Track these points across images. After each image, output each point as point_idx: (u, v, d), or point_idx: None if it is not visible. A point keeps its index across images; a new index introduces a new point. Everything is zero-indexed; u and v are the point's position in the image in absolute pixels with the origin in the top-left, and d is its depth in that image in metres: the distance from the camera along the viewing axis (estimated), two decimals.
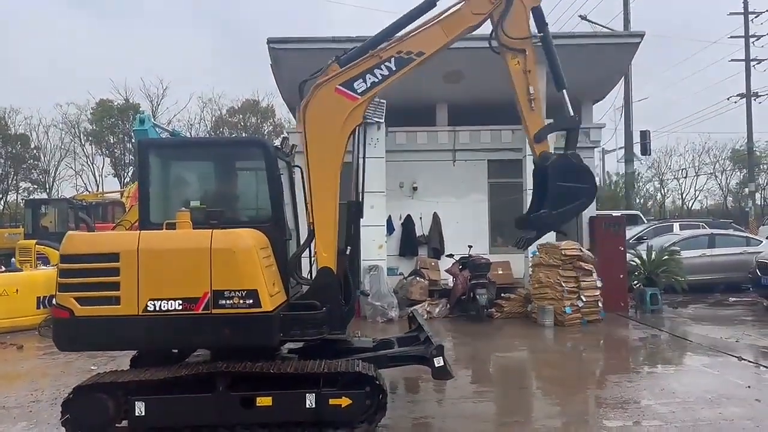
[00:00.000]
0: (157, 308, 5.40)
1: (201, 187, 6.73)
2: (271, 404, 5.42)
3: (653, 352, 9.34)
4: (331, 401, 5.45)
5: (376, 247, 12.85)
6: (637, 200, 45.40)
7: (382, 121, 12.85)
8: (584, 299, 11.31)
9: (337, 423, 5.51)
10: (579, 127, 6.42)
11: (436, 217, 14.61)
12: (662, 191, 51.72)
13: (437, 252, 14.40)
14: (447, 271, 13.21)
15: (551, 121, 6.36)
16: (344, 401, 5.46)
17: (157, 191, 6.33)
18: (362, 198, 6.60)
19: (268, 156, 6.24)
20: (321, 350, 6.29)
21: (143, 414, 5.34)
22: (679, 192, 51.99)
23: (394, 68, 6.07)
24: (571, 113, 6.30)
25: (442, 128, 14.78)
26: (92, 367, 7.91)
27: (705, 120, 59.10)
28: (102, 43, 64.26)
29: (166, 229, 5.71)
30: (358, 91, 6.05)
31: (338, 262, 6.22)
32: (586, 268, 11.50)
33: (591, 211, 14.57)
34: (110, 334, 5.45)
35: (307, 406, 5.43)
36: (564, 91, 6.30)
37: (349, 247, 6.34)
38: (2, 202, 42.93)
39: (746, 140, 37.07)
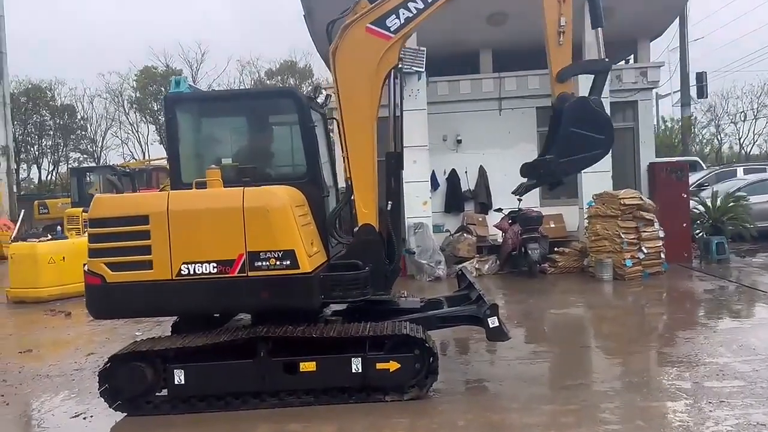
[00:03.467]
0: (192, 272, 5.12)
1: (232, 143, 6.36)
2: (315, 369, 5.11)
3: (723, 304, 8.66)
4: (378, 365, 5.11)
5: (420, 203, 12.34)
6: (695, 147, 43.35)
7: (423, 70, 12.17)
8: (645, 251, 10.60)
9: (386, 388, 5.18)
10: (609, 71, 5.77)
11: (482, 170, 13.97)
12: (719, 137, 49.18)
13: (484, 207, 13.81)
14: (496, 226, 12.64)
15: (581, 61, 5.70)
16: (392, 365, 5.11)
17: (187, 149, 6.02)
18: (402, 149, 6.05)
19: (300, 107, 5.82)
20: (366, 312, 5.93)
21: (183, 382, 5.11)
22: (737, 137, 49.33)
23: (429, 0, 5.47)
24: (603, 55, 5.61)
25: (486, 76, 13.99)
26: (137, 333, 7.78)
27: (763, 59, 55.31)
28: (134, 10, 64.38)
29: (196, 188, 5.37)
30: (391, 28, 5.51)
31: (380, 218, 5.82)
32: (647, 217, 10.76)
33: (649, 156, 13.74)
34: (144, 301, 5.21)
35: (354, 370, 5.11)
36: (599, 29, 5.62)
37: (390, 203, 5.89)
38: (55, 173, 44.06)
39: None
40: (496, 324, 5.18)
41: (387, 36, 5.52)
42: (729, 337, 6.63)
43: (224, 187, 5.39)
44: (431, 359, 5.15)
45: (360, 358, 5.11)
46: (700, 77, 29.83)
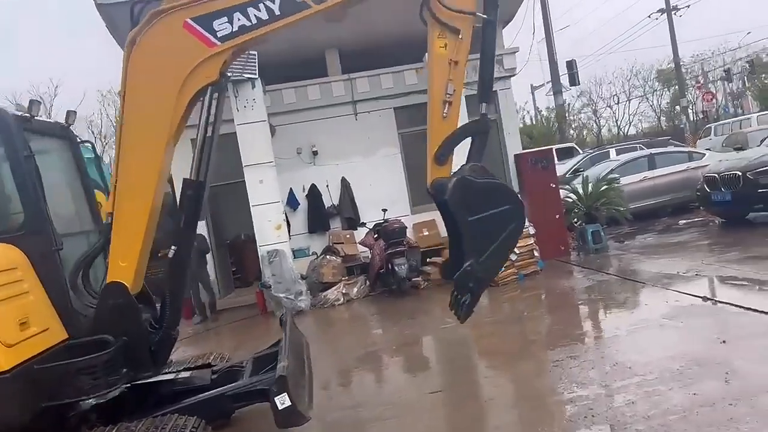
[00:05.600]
0: None
1: None
2: None
3: (600, 305, 7.74)
4: None
5: (272, 228, 10.81)
6: (573, 132, 44.65)
7: (256, 76, 10.69)
8: (517, 252, 9.61)
9: None
10: (489, 131, 4.50)
11: (344, 182, 12.62)
12: (597, 121, 51.24)
13: (352, 222, 12.45)
14: (361, 243, 11.35)
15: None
16: None
17: None
18: (205, 178, 4.59)
19: (5, 131, 4.18)
20: (140, 399, 4.37)
21: None
22: (614, 119, 51.56)
23: (277, 12, 4.03)
24: (483, 110, 4.38)
25: (335, 78, 12.67)
26: None
27: (629, 42, 58.67)
28: None
29: None
30: (219, 34, 4.06)
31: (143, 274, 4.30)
32: None
33: (515, 147, 12.94)
34: None
35: None
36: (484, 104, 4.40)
37: (174, 248, 4.35)
38: None
39: (672, 55, 36.35)
40: (287, 404, 3.71)
41: (210, 42, 4.06)
42: (603, 353, 5.59)
43: None
44: None
45: None
46: (570, 65, 30.33)
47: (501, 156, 12.96)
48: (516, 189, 12.00)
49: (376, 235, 10.71)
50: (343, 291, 10.59)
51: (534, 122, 40.07)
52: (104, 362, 3.94)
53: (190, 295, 11.29)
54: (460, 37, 4.22)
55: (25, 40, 58.46)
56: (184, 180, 4.45)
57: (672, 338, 5.61)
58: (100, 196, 15.42)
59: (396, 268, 9.93)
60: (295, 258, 11.95)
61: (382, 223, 10.71)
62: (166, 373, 4.68)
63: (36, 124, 4.55)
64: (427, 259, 11.01)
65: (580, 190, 11.69)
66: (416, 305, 9.53)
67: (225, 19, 4.07)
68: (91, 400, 4.37)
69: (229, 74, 10.23)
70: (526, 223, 9.93)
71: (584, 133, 47.96)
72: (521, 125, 40.54)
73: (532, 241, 9.96)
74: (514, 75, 13.33)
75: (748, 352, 4.87)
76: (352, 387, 6.33)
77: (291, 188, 12.39)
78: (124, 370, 4.17)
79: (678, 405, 4.15)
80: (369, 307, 10.14)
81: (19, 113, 4.39)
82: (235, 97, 10.71)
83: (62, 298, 4.24)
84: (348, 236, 12.14)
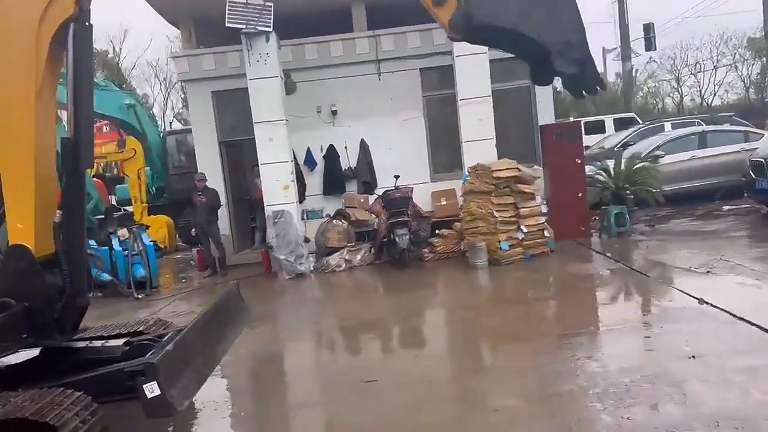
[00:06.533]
0: None
1: None
2: None
3: (587, 298, 7.14)
4: None
5: (280, 188, 10.60)
6: (655, 102, 42.02)
7: (270, 29, 10.31)
8: (525, 230, 9.04)
9: None
10: None
11: (363, 144, 12.21)
12: (680, 89, 47.91)
13: (368, 186, 12.10)
14: (368, 210, 11.00)
15: None
16: None
17: None
18: (83, 131, 4.23)
19: None
20: (42, 367, 4.27)
21: None
22: (698, 89, 48.06)
23: None
24: None
25: (360, 35, 12.12)
26: None
27: (721, 5, 54.06)
28: None
29: None
30: None
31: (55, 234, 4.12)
32: (526, 191, 9.18)
33: (548, 118, 12.11)
34: None
35: None
36: None
37: (58, 212, 4.14)
38: None
39: (763, 23, 33.27)
40: (156, 393, 3.47)
41: None
42: (557, 356, 5.06)
43: None
44: None
45: None
46: (647, 28, 28.34)
47: (531, 126, 12.20)
48: (539, 164, 11.30)
49: (383, 203, 10.32)
50: (346, 257, 10.33)
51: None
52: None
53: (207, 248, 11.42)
54: None
55: None
56: (61, 139, 4.13)
57: (639, 346, 5.04)
58: (133, 141, 15.50)
59: (396, 239, 9.56)
60: (308, 219, 11.84)
61: (395, 189, 10.29)
62: (75, 340, 4.55)
63: None
64: (436, 231, 10.55)
65: (611, 168, 10.84)
66: (415, 278, 9.17)
67: None
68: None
69: (243, 27, 10.06)
70: (539, 200, 9.34)
71: (655, 101, 45.02)
72: None
73: (544, 220, 9.32)
74: None
75: (714, 372, 4.28)
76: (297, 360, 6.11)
77: (309, 147, 12.10)
78: (25, 335, 4.06)
79: (599, 428, 3.66)
80: (368, 276, 9.87)
81: None
82: (248, 50, 10.43)
83: None
84: (362, 201, 11.81)
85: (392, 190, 10.21)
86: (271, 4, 10.22)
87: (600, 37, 54.52)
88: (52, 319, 4.16)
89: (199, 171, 11.67)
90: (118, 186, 21.72)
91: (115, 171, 24.50)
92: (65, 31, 3.94)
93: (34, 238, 4.05)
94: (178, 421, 4.47)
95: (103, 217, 15.22)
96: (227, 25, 10.18)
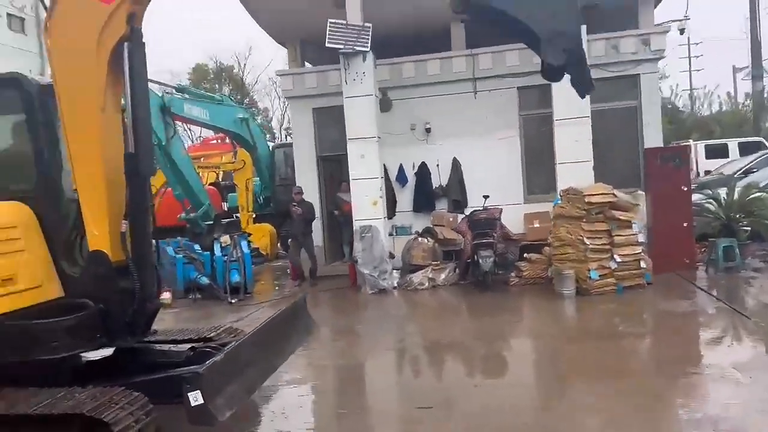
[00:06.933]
0: None
1: None
2: None
3: (679, 339, 6.53)
4: None
5: (369, 203, 10.74)
6: None
7: (367, 49, 10.52)
8: (619, 259, 8.53)
9: None
10: None
11: (455, 162, 12.10)
12: None
13: (458, 205, 11.97)
14: (454, 229, 10.85)
15: None
16: None
17: None
18: (141, 144, 4.37)
19: (27, 99, 4.52)
20: (117, 366, 4.59)
21: None
22: None
23: None
24: None
25: (457, 53, 12.07)
26: None
27: None
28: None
29: None
30: None
31: (123, 242, 4.41)
32: (621, 218, 8.66)
33: (655, 141, 11.40)
34: None
35: None
36: None
37: (125, 222, 4.41)
38: None
39: None
40: (199, 401, 3.60)
41: None
42: (656, 401, 4.67)
43: None
44: None
45: None
46: None
47: (636, 149, 11.54)
48: (642, 189, 10.65)
49: (469, 223, 10.15)
50: (429, 276, 10.25)
51: (725, 108, 35.27)
52: (70, 326, 4.14)
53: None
54: None
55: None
56: (126, 155, 4.36)
57: (720, 396, 4.56)
58: (243, 153, 16.28)
59: (480, 260, 9.35)
60: (397, 235, 11.90)
61: (483, 210, 10.11)
62: (146, 342, 4.83)
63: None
64: (524, 255, 10.21)
65: (722, 197, 10.00)
66: (496, 302, 8.92)
67: None
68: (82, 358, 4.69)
69: (342, 47, 10.33)
70: (636, 229, 8.79)
71: None
72: (711, 111, 35.94)
73: (640, 250, 8.75)
74: (662, 57, 11.67)
75: None
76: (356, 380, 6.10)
77: (401, 164, 12.18)
78: (99, 335, 4.37)
79: None
80: (449, 297, 9.73)
81: (44, 82, 4.67)
82: (345, 69, 10.69)
83: (62, 258, 4.52)
84: (450, 219, 11.69)
85: (479, 210, 10.02)
86: (370, 25, 10.44)
87: (731, 54, 50.80)
88: (124, 322, 4.43)
89: (297, 184, 12.11)
90: (230, 194, 23.01)
91: (230, 180, 26.04)
92: (121, 50, 4.22)
93: (110, 244, 4.35)
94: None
95: (212, 223, 16.17)
96: (327, 45, 10.51)
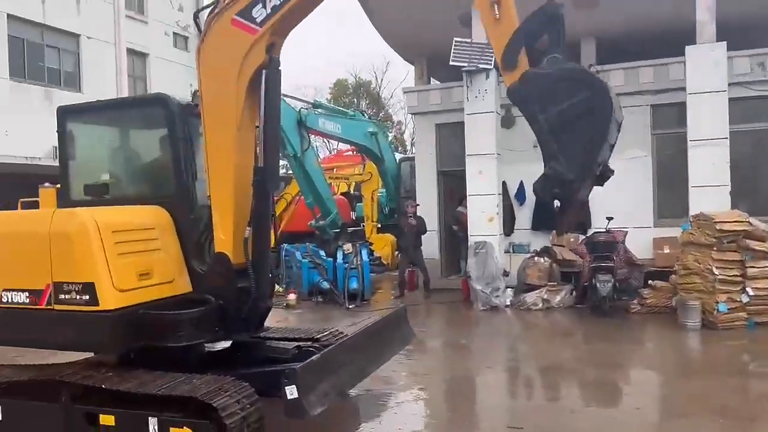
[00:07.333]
0: (10, 300, 4.73)
1: (111, 157, 5.85)
2: (114, 424, 4.37)
3: None
4: (172, 430, 4.19)
5: (485, 219, 10.77)
6: None
7: (491, 67, 10.60)
8: (752, 293, 7.88)
9: None
10: (562, 15, 4.09)
11: None
12: None
13: (581, 225, 11.58)
14: (572, 250, 10.54)
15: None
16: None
17: (75, 164, 5.65)
18: (269, 161, 4.83)
19: (169, 116, 5.16)
20: (233, 357, 5.09)
21: (1, 419, 4.73)
22: None
23: None
24: None
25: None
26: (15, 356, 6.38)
27: None
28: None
29: (22, 207, 5.00)
30: (257, 20, 4.62)
31: (245, 246, 4.89)
32: (757, 248, 8.00)
33: None
34: None
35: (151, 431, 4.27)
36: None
37: (249, 228, 4.88)
38: None
39: None
40: (294, 395, 3.90)
41: (252, 29, 4.64)
42: None
43: (91, 206, 4.92)
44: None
45: (156, 418, 4.26)
46: None
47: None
48: None
49: (587, 245, 9.84)
50: (544, 296, 10.06)
51: None
52: (194, 319, 4.65)
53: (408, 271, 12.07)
54: None
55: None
56: (255, 168, 4.77)
57: None
58: (370, 165, 16.92)
59: (598, 284, 9.03)
60: (513, 253, 11.78)
61: (599, 232, 9.77)
62: (259, 338, 5.28)
63: (190, 111, 5.33)
64: (649, 282, 9.69)
65: None
66: (612, 330, 8.55)
67: (260, 5, 4.54)
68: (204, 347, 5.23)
69: (465, 65, 10.49)
70: None
71: None
72: None
73: None
74: None
75: None
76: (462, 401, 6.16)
77: (521, 181, 12.02)
78: (217, 329, 4.86)
79: None
80: (562, 320, 9.48)
81: (184, 102, 5.29)
82: (467, 87, 10.84)
83: (192, 258, 5.09)
84: (572, 240, 11.33)
85: (600, 232, 9.69)
86: None
87: None
88: (239, 318, 4.89)
89: (417, 197, 12.42)
90: (358, 204, 23.93)
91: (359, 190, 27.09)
92: (259, 76, 4.65)
93: (233, 248, 4.83)
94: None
95: (338, 230, 16.94)
96: (451, 63, 10.74)
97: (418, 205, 11.97)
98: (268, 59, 4.65)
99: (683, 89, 10.25)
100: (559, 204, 4.33)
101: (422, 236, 11.84)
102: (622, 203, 10.93)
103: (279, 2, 4.54)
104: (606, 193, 11.10)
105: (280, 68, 4.78)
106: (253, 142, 4.87)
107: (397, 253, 16.37)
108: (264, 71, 4.63)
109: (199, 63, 4.86)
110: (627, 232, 9.93)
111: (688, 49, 10.09)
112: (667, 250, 10.71)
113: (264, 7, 4.57)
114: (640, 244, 10.49)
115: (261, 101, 4.64)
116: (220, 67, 4.76)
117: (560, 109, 3.88)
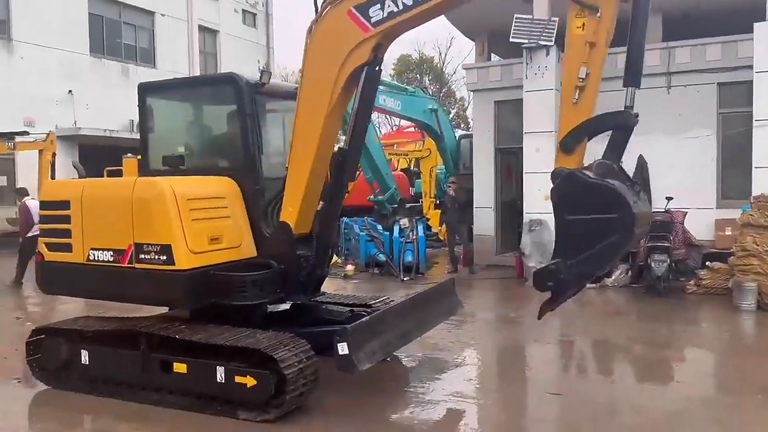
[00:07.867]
0: (96, 258, 5.30)
1: (187, 131, 6.32)
2: (186, 372, 4.91)
3: None
4: (237, 378, 4.68)
5: (541, 197, 10.78)
6: None
7: (552, 43, 10.55)
8: None
9: (245, 404, 4.70)
10: (633, 128, 4.22)
11: (641, 160, 11.53)
12: None
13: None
14: None
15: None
16: (249, 380, 4.64)
17: (153, 137, 6.18)
18: (354, 146, 5.13)
19: (239, 94, 5.58)
20: (292, 317, 5.54)
21: (87, 363, 5.34)
22: None
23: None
24: (630, 104, 4.21)
25: (652, 46, 11.43)
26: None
27: None
28: None
29: (108, 176, 5.54)
30: (372, 20, 4.67)
31: (312, 219, 5.28)
32: None
33: None
34: (67, 281, 5.56)
35: (218, 379, 4.76)
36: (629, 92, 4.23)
37: (321, 203, 5.25)
38: None
39: None
40: (345, 352, 4.27)
41: (365, 26, 4.71)
42: None
43: (168, 176, 5.40)
44: (284, 382, 4.50)
45: (223, 368, 4.74)
46: None
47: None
48: None
49: None
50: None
51: None
52: (257, 280, 5.08)
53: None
54: (598, 15, 3.99)
55: None
56: (338, 149, 5.08)
57: None
58: (429, 142, 17.17)
59: (652, 264, 9.02)
60: None
61: (655, 212, 9.68)
62: (316, 302, 5.70)
63: (269, 88, 5.75)
64: (707, 263, 9.57)
65: None
66: (665, 309, 8.54)
67: (378, 6, 4.60)
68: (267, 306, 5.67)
69: (526, 41, 10.49)
70: None
71: None
72: None
73: None
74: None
75: None
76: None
77: None
78: (278, 290, 5.29)
79: None
80: (616, 298, 9.51)
81: (253, 81, 5.66)
82: (527, 64, 10.84)
83: (258, 225, 5.52)
84: None
85: (656, 212, 9.59)
86: (556, 19, 10.45)
87: None
88: (298, 282, 5.30)
89: (474, 173, 12.61)
90: (417, 180, 24.18)
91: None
92: (359, 72, 4.81)
93: (296, 219, 5.20)
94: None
95: (396, 205, 17.28)
96: (512, 39, 10.75)
97: (455, 183, 12.22)
98: (372, 58, 4.76)
99: (751, 67, 9.94)
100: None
101: (467, 211, 12.05)
102: (683, 183, 10.78)
103: (397, 9, 4.54)
104: (667, 173, 11.17)
105: (380, 68, 4.93)
106: (336, 132, 5.16)
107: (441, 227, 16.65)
108: (366, 68, 4.77)
109: (308, 43, 4.96)
110: (686, 212, 9.81)
111: (757, 26, 9.77)
112: (728, 232, 10.48)
113: (381, 9, 4.58)
114: (702, 225, 10.36)
115: (357, 95, 4.85)
116: (327, 52, 4.87)
117: (585, 219, 3.97)
